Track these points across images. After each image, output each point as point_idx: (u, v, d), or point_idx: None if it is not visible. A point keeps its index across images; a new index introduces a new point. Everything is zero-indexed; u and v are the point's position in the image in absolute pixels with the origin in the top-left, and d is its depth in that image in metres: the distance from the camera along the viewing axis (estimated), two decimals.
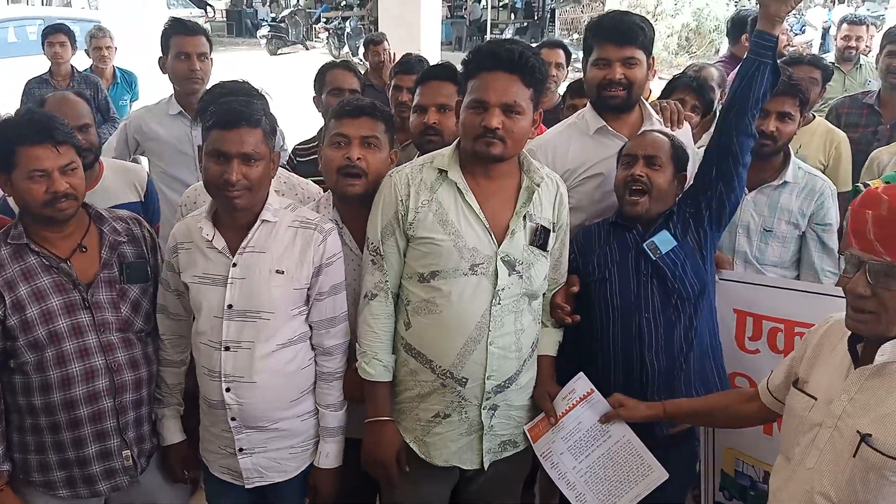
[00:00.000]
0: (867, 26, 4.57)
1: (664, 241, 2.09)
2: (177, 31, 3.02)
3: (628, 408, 1.99)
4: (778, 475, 1.70)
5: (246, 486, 2.01)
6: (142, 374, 2.01)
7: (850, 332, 1.58)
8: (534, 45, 2.89)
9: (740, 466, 2.38)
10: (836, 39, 4.68)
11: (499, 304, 1.90)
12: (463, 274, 1.89)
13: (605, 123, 2.32)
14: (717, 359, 2.21)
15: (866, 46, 4.48)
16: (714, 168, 2.10)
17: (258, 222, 1.92)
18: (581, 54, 2.44)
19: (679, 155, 2.13)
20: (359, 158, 2.04)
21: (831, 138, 3.17)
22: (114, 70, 5.41)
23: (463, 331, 1.90)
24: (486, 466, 2.01)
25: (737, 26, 4.34)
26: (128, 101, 5.47)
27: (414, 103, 2.41)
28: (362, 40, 17.81)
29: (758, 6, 2.10)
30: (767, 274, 2.50)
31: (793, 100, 2.44)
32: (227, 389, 1.93)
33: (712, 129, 2.21)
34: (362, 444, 2.00)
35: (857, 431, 1.50)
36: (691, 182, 2.19)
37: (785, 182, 2.48)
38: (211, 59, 3.09)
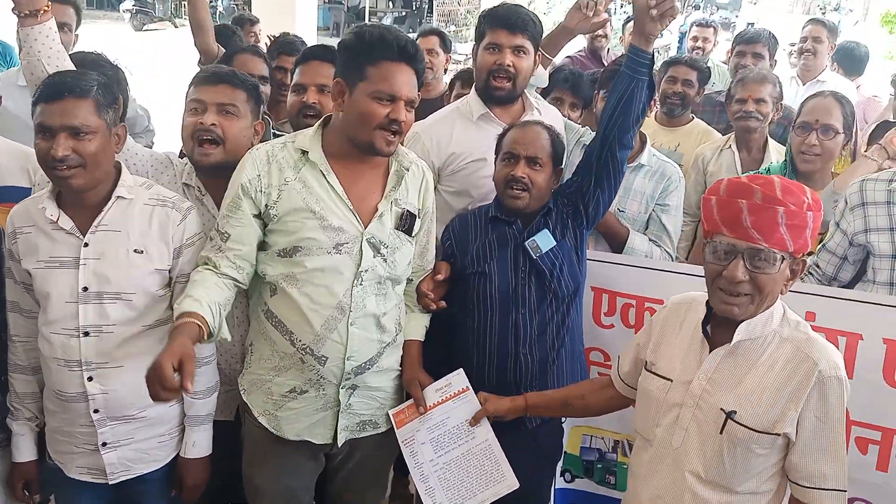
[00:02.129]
0: (714, 29, 4.92)
1: (544, 240, 2.13)
2: None
3: (492, 402, 2.03)
4: (639, 457, 1.77)
5: (110, 482, 1.91)
6: None
7: (699, 315, 1.69)
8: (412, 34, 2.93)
9: (587, 442, 2.50)
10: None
11: (361, 284, 1.89)
12: (326, 252, 1.87)
13: (488, 110, 2.41)
14: (580, 348, 2.30)
15: (713, 46, 4.80)
16: (593, 177, 2.15)
17: (112, 199, 1.82)
18: (457, 46, 2.52)
19: (557, 150, 2.17)
20: (213, 124, 2.00)
21: (707, 137, 3.41)
22: None
23: (324, 309, 1.88)
24: (339, 443, 2.00)
25: None
26: None
27: (293, 82, 2.38)
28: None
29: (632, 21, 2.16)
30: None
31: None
32: (90, 378, 1.82)
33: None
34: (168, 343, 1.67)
35: (721, 409, 1.59)
36: (568, 177, 2.26)
37: (640, 165, 2.60)
38: (76, 33, 2.91)
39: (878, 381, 2.04)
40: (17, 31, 1.97)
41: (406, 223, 1.98)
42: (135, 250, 1.82)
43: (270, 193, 1.88)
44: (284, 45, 3.05)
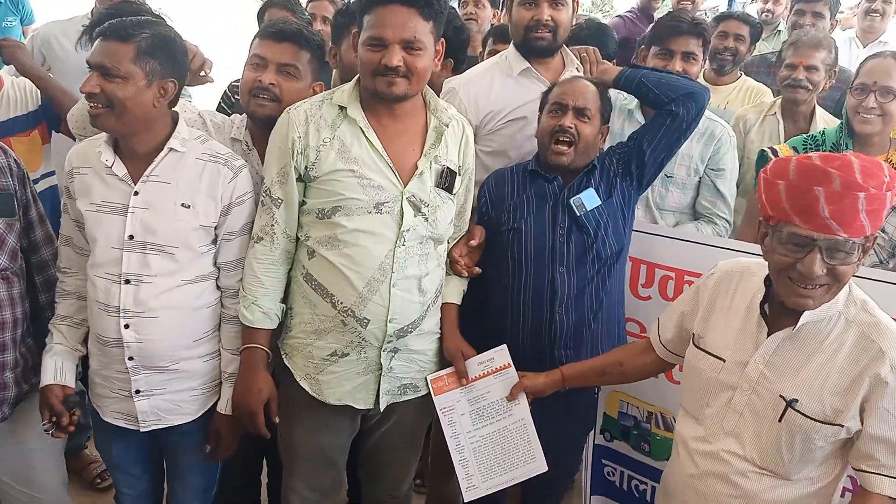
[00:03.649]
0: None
1: (590, 198, 2.06)
2: None
3: (530, 377, 2.00)
4: (688, 433, 1.69)
5: (141, 430, 1.93)
6: (5, 316, 1.86)
7: (753, 289, 1.59)
8: None
9: (624, 408, 2.47)
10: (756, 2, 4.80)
11: (403, 245, 1.86)
12: (367, 212, 1.83)
13: (529, 65, 2.32)
14: (620, 315, 2.24)
15: (783, 9, 4.41)
16: (655, 142, 2.10)
17: (165, 150, 1.81)
18: None
19: (606, 107, 2.11)
20: (272, 84, 1.97)
21: (755, 94, 3.27)
22: None
23: (366, 270, 1.84)
24: (381, 407, 2.00)
25: None
26: (16, 23, 4.96)
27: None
28: None
29: None
30: (666, 220, 2.55)
31: (697, 39, 2.44)
32: (126, 326, 1.82)
33: None
34: (235, 382, 1.94)
35: (781, 396, 1.51)
36: (622, 140, 2.19)
37: None
38: None
39: None
40: None
41: (446, 180, 1.93)
42: (182, 204, 1.81)
43: (309, 155, 1.84)
44: None
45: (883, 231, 2.27)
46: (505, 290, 2.13)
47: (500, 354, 2.06)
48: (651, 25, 2.60)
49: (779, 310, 1.54)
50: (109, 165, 1.80)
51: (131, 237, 1.80)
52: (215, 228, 1.88)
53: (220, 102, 2.94)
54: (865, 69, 2.46)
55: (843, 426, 1.48)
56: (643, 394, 2.39)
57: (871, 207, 1.37)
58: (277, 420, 1.95)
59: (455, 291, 2.09)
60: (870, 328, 1.48)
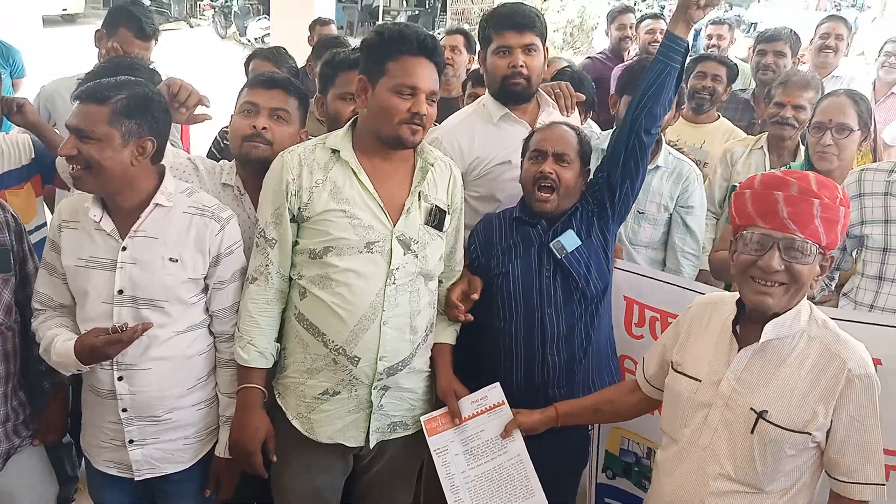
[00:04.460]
0: (729, 26, 4.87)
1: (570, 240, 2.11)
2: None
3: (524, 414, 2.02)
4: (666, 456, 1.77)
5: (136, 478, 1.93)
6: None
7: (725, 314, 1.69)
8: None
9: (626, 444, 2.49)
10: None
11: (393, 283, 1.90)
12: (358, 251, 1.88)
13: (507, 111, 2.39)
14: (612, 348, 2.29)
15: (728, 44, 4.74)
16: (620, 166, 2.13)
17: (150, 206, 1.84)
18: None
19: (585, 149, 2.16)
20: (264, 128, 2.03)
21: (731, 135, 3.39)
22: None
23: (357, 309, 1.88)
24: (371, 444, 2.01)
25: (608, 21, 4.89)
26: (6, 76, 5.04)
27: (338, 90, 2.34)
28: (250, 20, 17.27)
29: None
30: (640, 254, 2.63)
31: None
32: (120, 378, 1.85)
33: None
34: (232, 422, 1.96)
35: (752, 409, 1.60)
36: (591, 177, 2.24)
37: (657, 166, 2.60)
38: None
39: None
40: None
41: (435, 218, 1.98)
42: (170, 258, 1.84)
43: (302, 196, 1.90)
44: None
45: None
46: (496, 332, 2.16)
47: (494, 392, 2.07)
48: (620, 75, 2.69)
49: (748, 328, 1.65)
50: (97, 221, 1.82)
51: (121, 292, 1.82)
52: (205, 279, 1.91)
53: (210, 149, 3.00)
54: (821, 108, 2.57)
55: (810, 434, 1.57)
56: (644, 430, 2.41)
57: (826, 216, 1.54)
58: (275, 459, 1.96)
59: (448, 331, 2.13)
60: (831, 342, 1.60)
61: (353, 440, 2.00)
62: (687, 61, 2.20)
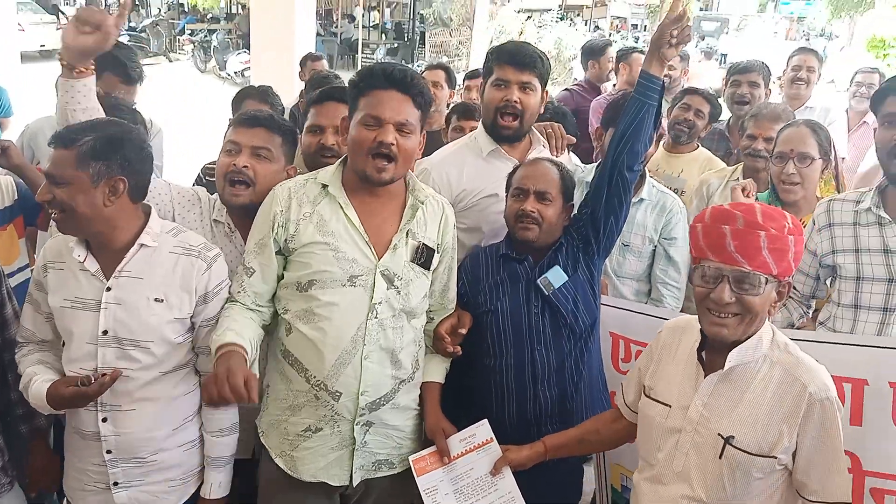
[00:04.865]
0: (680, 58, 4.85)
1: (556, 276, 2.12)
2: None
3: (513, 451, 2.01)
4: (642, 479, 1.81)
5: None
6: None
7: (693, 340, 1.73)
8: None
9: (624, 481, 2.48)
10: None
11: (375, 317, 1.90)
12: (341, 285, 1.89)
13: (497, 146, 2.42)
14: (603, 382, 2.30)
15: (680, 74, 4.72)
16: (603, 203, 2.15)
17: (136, 246, 1.84)
18: None
19: (567, 185, 2.18)
20: (245, 166, 2.04)
21: (709, 164, 3.45)
22: None
23: (338, 343, 1.88)
24: (355, 482, 1.98)
25: (586, 54, 4.97)
26: None
27: (308, 123, 2.39)
28: (230, 54, 17.37)
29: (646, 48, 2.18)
30: (625, 286, 2.66)
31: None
32: (104, 419, 1.82)
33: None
34: (213, 370, 1.74)
35: (719, 434, 1.63)
36: (576, 212, 2.26)
37: (641, 199, 2.64)
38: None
39: (888, 426, 2.00)
40: (58, 78, 1.99)
41: (422, 256, 1.99)
42: (155, 299, 1.83)
43: (289, 228, 1.91)
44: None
45: (794, 288, 2.41)
46: (487, 369, 2.16)
47: (482, 430, 2.06)
48: (605, 108, 2.75)
49: (714, 354, 1.69)
50: (81, 261, 1.82)
51: (105, 332, 1.81)
52: (191, 318, 1.90)
53: (193, 184, 3.01)
54: (782, 139, 2.63)
55: (776, 458, 1.61)
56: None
57: (773, 246, 1.58)
58: (256, 401, 1.74)
59: (437, 370, 2.12)
60: (792, 366, 1.64)
61: (336, 479, 1.98)
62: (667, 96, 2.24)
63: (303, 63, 5.10)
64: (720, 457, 1.63)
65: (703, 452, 1.66)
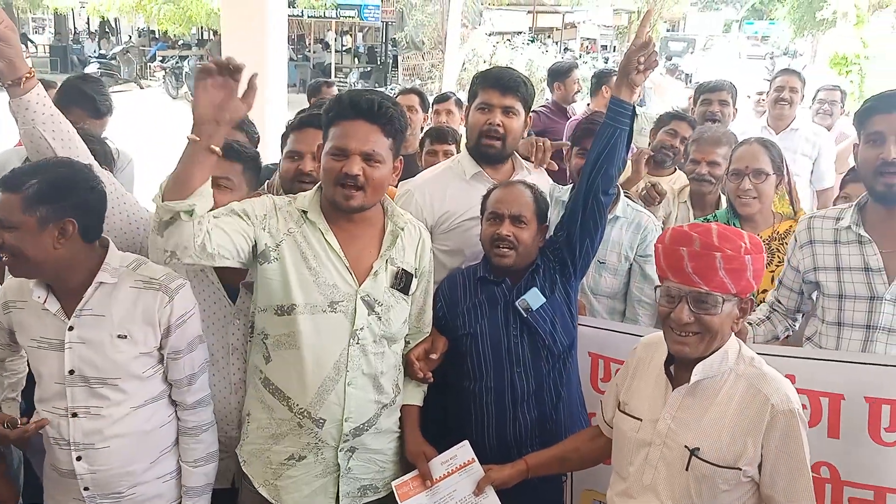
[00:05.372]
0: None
1: (534, 298, 2.13)
2: None
3: (495, 470, 2.01)
4: (615, 492, 1.83)
5: None
6: None
7: (664, 356, 1.76)
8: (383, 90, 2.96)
9: None
10: None
11: (357, 343, 1.90)
12: (322, 311, 1.88)
13: (480, 169, 2.43)
14: (582, 402, 2.31)
15: (637, 96, 4.84)
16: (578, 226, 2.17)
17: (94, 285, 1.80)
18: None
19: (541, 207, 2.19)
20: None
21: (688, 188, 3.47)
22: None
23: (321, 369, 1.87)
24: None
25: (552, 76, 5.13)
26: None
27: (287, 149, 2.38)
28: None
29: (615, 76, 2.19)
30: (601, 304, 2.67)
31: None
32: (79, 458, 1.79)
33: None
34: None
35: (686, 446, 1.66)
36: (551, 233, 2.28)
37: (616, 217, 2.66)
38: None
39: (864, 439, 2.04)
40: (9, 104, 1.94)
41: (401, 281, 1.99)
42: (119, 335, 1.80)
43: (273, 236, 1.89)
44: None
45: (779, 301, 2.44)
46: (466, 392, 2.16)
47: (463, 451, 2.06)
48: (575, 127, 2.79)
49: (681, 369, 1.73)
50: (42, 302, 1.79)
51: (72, 372, 1.79)
52: (159, 350, 1.87)
53: None
54: (736, 156, 2.70)
55: (741, 469, 1.63)
56: None
57: (730, 267, 1.61)
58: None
59: (415, 393, 2.12)
60: (756, 379, 1.67)
61: None
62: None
63: (317, 90, 5.07)
64: (686, 469, 1.65)
65: (672, 465, 1.69)
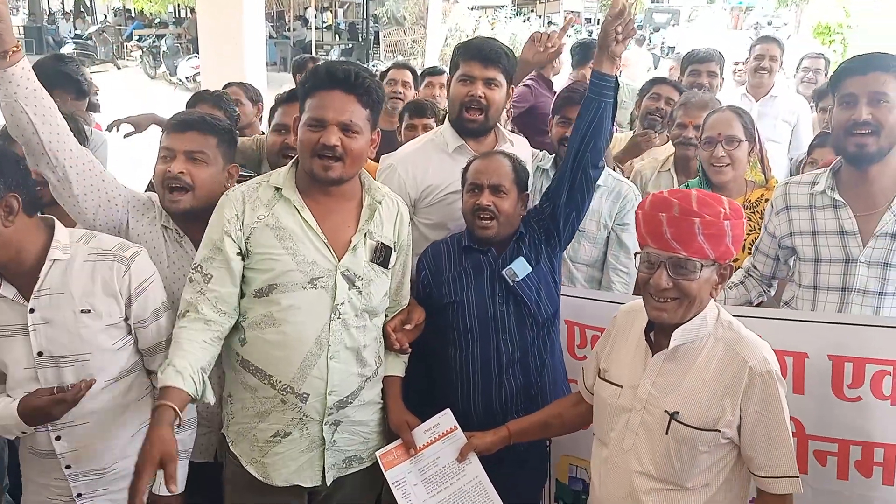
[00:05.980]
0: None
1: (521, 266, 2.15)
2: None
3: (478, 436, 2.04)
4: (597, 458, 1.86)
5: None
6: None
7: (644, 322, 1.78)
8: (384, 67, 2.96)
9: (574, 472, 2.51)
10: None
11: (339, 318, 1.90)
12: (302, 287, 1.87)
13: (463, 142, 2.43)
14: (563, 369, 2.33)
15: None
16: (565, 198, 2.18)
17: (48, 263, 1.77)
18: None
19: (520, 176, 2.19)
20: (181, 172, 2.00)
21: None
22: None
23: (303, 345, 1.88)
24: (328, 482, 1.99)
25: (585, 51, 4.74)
26: None
27: (274, 122, 2.37)
28: (180, 59, 17.09)
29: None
30: (580, 272, 2.70)
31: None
32: (58, 438, 1.79)
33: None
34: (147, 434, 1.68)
35: (665, 411, 1.68)
36: (536, 203, 2.29)
37: (598, 186, 2.62)
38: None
39: (828, 395, 2.10)
40: None
41: (381, 255, 1.99)
42: (82, 310, 1.78)
43: (245, 232, 1.89)
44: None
45: (754, 267, 2.48)
46: (452, 360, 2.18)
47: (445, 419, 2.08)
48: (556, 95, 2.80)
49: (661, 334, 1.74)
50: None
51: (40, 353, 1.77)
52: (125, 320, 1.85)
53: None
54: (709, 124, 2.70)
55: (720, 431, 1.66)
56: (589, 454, 2.44)
57: (709, 232, 1.62)
58: (175, 490, 1.66)
59: (397, 364, 2.13)
60: (734, 342, 1.69)
61: (309, 480, 1.98)
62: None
63: (302, 66, 4.97)
64: (667, 433, 1.68)
65: (652, 430, 1.71)
